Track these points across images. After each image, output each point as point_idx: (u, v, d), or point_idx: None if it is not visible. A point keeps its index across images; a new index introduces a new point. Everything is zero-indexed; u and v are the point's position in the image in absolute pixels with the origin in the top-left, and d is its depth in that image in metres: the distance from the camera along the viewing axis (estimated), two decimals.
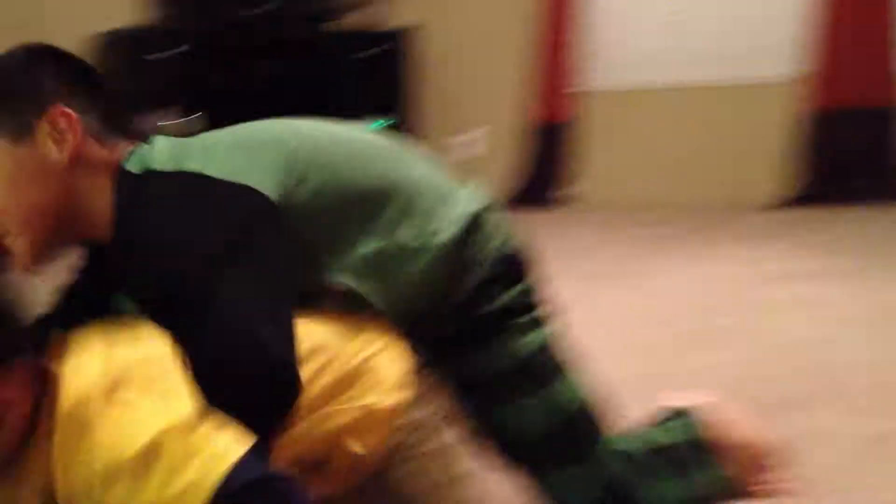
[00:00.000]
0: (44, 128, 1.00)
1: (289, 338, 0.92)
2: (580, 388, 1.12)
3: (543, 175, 4.42)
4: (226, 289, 0.92)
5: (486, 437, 1.12)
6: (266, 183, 0.99)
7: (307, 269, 1.01)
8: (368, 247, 1.03)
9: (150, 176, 1.01)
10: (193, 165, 1.00)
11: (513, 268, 1.11)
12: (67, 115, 1.00)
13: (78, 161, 1.01)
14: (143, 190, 1.00)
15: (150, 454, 0.79)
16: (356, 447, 0.98)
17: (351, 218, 1.03)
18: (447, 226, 1.06)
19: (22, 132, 1.00)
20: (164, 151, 1.03)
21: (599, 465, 1.10)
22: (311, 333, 0.97)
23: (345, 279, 1.02)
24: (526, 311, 1.11)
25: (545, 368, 1.10)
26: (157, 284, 0.96)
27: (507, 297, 1.09)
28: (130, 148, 1.04)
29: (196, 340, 0.89)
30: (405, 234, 1.05)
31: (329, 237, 1.02)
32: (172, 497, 0.79)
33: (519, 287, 1.11)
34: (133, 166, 1.02)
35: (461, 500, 1.07)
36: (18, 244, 1.02)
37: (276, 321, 0.92)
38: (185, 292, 0.93)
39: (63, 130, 1.00)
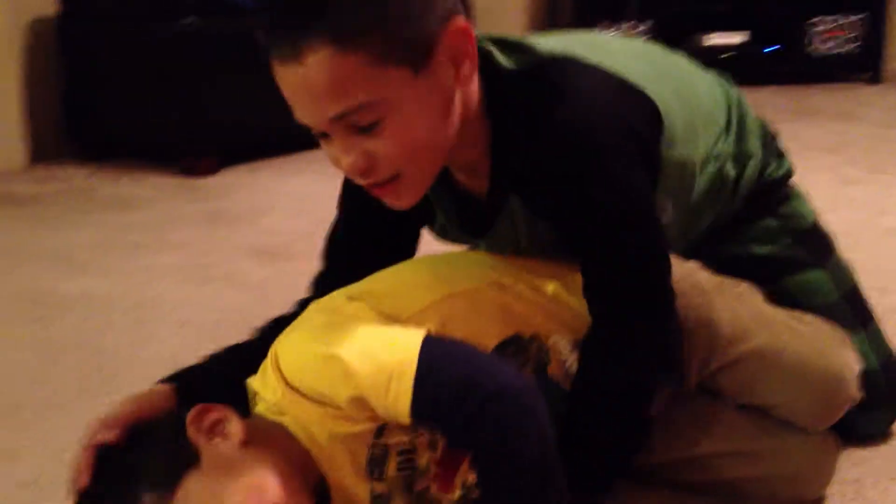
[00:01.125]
0: (444, 50, 0.82)
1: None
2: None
3: None
4: (645, 219, 0.90)
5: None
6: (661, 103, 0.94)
7: None
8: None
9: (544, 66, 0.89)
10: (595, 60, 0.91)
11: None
12: (467, 31, 0.83)
13: (468, 79, 0.86)
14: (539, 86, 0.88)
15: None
16: None
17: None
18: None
19: (424, 58, 0.81)
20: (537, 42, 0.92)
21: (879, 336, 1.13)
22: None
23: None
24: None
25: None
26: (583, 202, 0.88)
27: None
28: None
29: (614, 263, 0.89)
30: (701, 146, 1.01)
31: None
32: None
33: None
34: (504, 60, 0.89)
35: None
36: (408, 183, 0.87)
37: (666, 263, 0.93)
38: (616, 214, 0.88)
39: (462, 51, 0.83)
